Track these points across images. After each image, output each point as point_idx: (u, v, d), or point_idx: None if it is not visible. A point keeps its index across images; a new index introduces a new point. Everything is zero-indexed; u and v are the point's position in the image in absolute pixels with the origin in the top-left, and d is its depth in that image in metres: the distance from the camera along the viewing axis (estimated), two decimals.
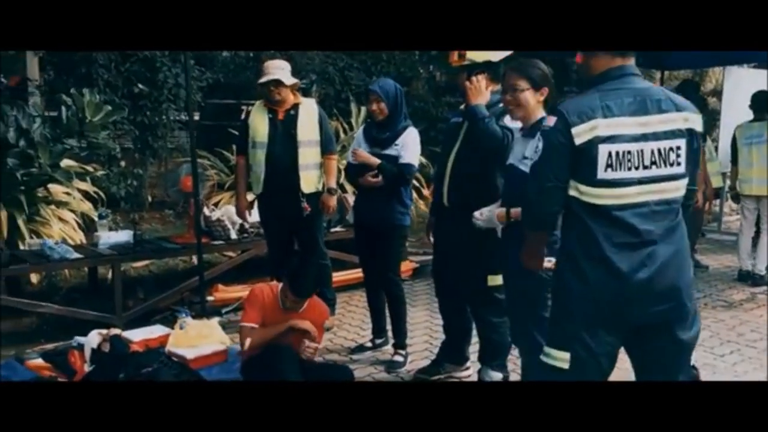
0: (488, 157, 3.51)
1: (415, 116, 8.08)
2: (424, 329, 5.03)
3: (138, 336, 4.31)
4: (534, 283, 3.02)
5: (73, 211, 5.83)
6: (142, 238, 5.50)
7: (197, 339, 4.28)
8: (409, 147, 4.28)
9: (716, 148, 8.02)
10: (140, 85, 7.05)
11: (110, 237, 5.28)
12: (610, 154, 2.21)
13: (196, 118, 6.79)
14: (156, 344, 4.24)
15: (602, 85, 2.30)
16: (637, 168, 2.23)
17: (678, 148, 2.28)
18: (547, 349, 2.41)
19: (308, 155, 4.75)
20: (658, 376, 2.38)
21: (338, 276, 5.54)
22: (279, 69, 4.68)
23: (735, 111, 7.23)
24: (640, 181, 2.25)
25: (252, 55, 8.47)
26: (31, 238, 5.32)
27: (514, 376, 3.93)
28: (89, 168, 6.09)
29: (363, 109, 7.98)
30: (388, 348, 4.57)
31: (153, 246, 5.42)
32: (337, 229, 5.94)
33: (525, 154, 3.04)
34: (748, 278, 6.44)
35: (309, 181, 4.77)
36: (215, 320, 4.68)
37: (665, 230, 2.28)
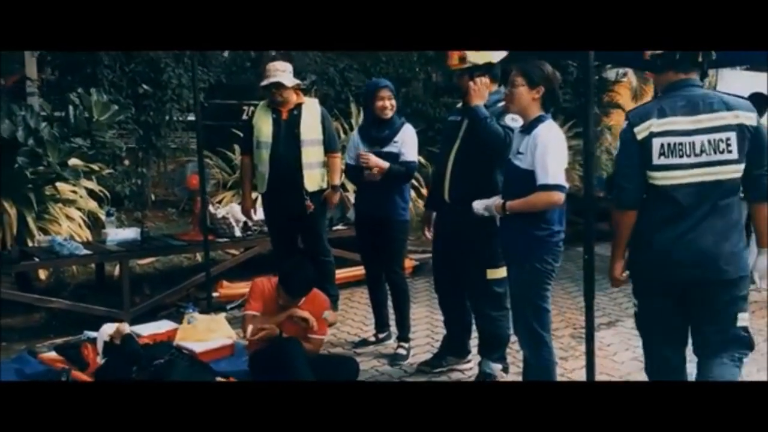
0: (489, 155, 3.64)
1: (413, 117, 8.22)
2: (426, 324, 5.14)
3: (146, 331, 4.42)
4: (531, 275, 3.22)
5: (79, 209, 5.93)
6: (148, 235, 5.61)
7: (205, 333, 4.40)
8: (409, 144, 4.41)
9: None
10: (144, 86, 7.16)
11: (118, 234, 5.40)
12: (662, 145, 2.77)
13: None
14: (164, 339, 4.35)
15: (665, 93, 2.88)
16: (688, 156, 2.77)
17: (728, 139, 2.77)
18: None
19: (311, 154, 4.87)
20: (710, 328, 2.87)
21: (340, 273, 5.64)
22: (280, 71, 4.78)
23: None
24: (692, 166, 2.77)
25: (253, 56, 8.57)
26: (40, 235, 5.43)
27: (514, 369, 4.05)
28: (95, 167, 6.19)
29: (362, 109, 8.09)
30: (391, 342, 4.69)
31: (160, 243, 5.54)
32: (339, 227, 6.04)
33: (519, 149, 3.25)
34: None
35: (312, 180, 4.88)
36: (222, 315, 4.80)
37: (713, 206, 2.79)
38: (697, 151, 2.76)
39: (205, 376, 3.62)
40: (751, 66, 9.35)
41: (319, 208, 4.94)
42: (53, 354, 4.12)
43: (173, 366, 3.49)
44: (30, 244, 5.35)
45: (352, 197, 5.82)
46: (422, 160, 7.43)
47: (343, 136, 7.93)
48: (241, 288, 5.44)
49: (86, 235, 5.85)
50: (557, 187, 3.15)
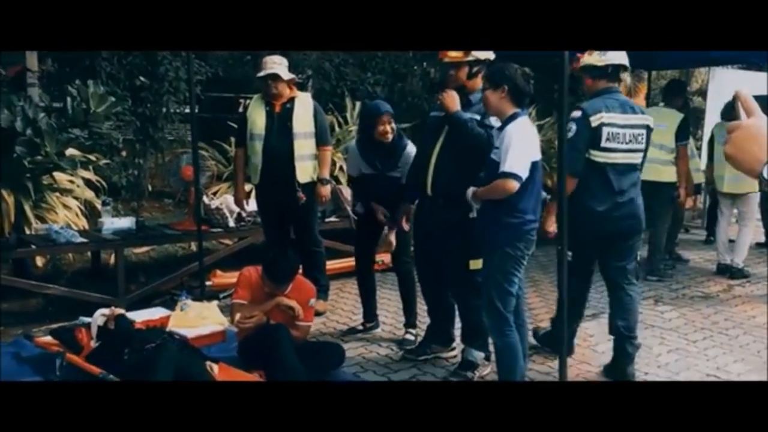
0: (472, 153, 3.76)
1: (409, 112, 8.32)
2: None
3: (140, 317, 4.50)
4: (502, 259, 3.45)
5: (76, 198, 6.02)
6: (144, 224, 5.72)
7: (197, 320, 4.52)
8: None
9: (700, 147, 8.25)
10: (142, 78, 7.23)
11: (114, 223, 5.50)
12: (608, 133, 3.88)
13: (196, 110, 6.97)
14: (157, 325, 4.46)
15: (600, 95, 3.96)
16: (620, 143, 3.91)
17: (641, 135, 4.02)
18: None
19: (303, 146, 4.98)
20: (619, 264, 4.08)
21: (332, 264, 5.76)
22: (277, 64, 4.90)
23: (719, 111, 7.44)
24: (623, 151, 3.93)
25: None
26: (37, 223, 5.53)
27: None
28: (92, 157, 6.29)
29: (357, 104, 8.20)
30: (378, 331, 4.82)
31: (155, 232, 5.65)
32: (332, 219, 6.15)
33: (496, 144, 3.48)
34: (726, 271, 6.68)
35: (304, 172, 4.99)
36: (214, 303, 4.91)
37: (630, 180, 3.99)
38: (627, 140, 3.92)
39: (194, 359, 3.72)
40: (744, 65, 9.48)
41: (311, 200, 5.05)
42: (48, 338, 4.23)
43: (164, 349, 3.59)
44: (27, 231, 5.44)
45: (345, 191, 5.92)
46: None
47: (338, 129, 8.04)
48: (234, 277, 5.50)
49: (83, 223, 5.94)
50: (511, 175, 3.34)
